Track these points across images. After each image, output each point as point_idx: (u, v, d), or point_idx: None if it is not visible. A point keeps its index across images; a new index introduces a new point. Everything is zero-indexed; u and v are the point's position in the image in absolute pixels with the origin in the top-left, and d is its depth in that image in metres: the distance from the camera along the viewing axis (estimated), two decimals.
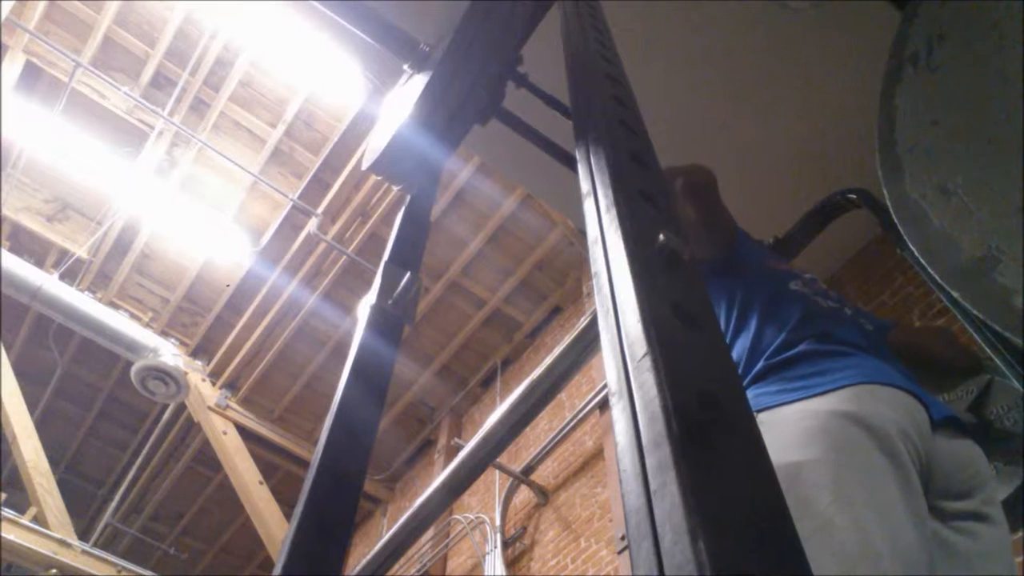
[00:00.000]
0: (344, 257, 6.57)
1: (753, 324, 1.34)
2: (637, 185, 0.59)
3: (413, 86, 1.23)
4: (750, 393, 1.23)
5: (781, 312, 1.33)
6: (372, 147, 1.19)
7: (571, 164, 0.74)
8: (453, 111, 1.14)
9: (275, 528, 6.54)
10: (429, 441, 7.46)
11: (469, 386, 7.10)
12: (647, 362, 0.38)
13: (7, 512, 6.03)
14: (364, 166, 1.19)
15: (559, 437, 5.14)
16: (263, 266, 7.20)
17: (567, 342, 2.86)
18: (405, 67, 1.35)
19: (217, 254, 7.50)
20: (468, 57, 1.17)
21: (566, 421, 5.11)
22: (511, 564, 4.93)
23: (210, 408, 7.36)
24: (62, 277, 7.18)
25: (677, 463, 0.32)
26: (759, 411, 1.17)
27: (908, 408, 1.14)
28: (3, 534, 5.82)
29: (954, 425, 1.21)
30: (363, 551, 6.88)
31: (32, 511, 6.47)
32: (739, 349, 1.32)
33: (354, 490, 0.60)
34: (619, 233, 0.51)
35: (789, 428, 1.09)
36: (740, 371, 1.29)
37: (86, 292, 7.55)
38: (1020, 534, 2.09)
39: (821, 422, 1.08)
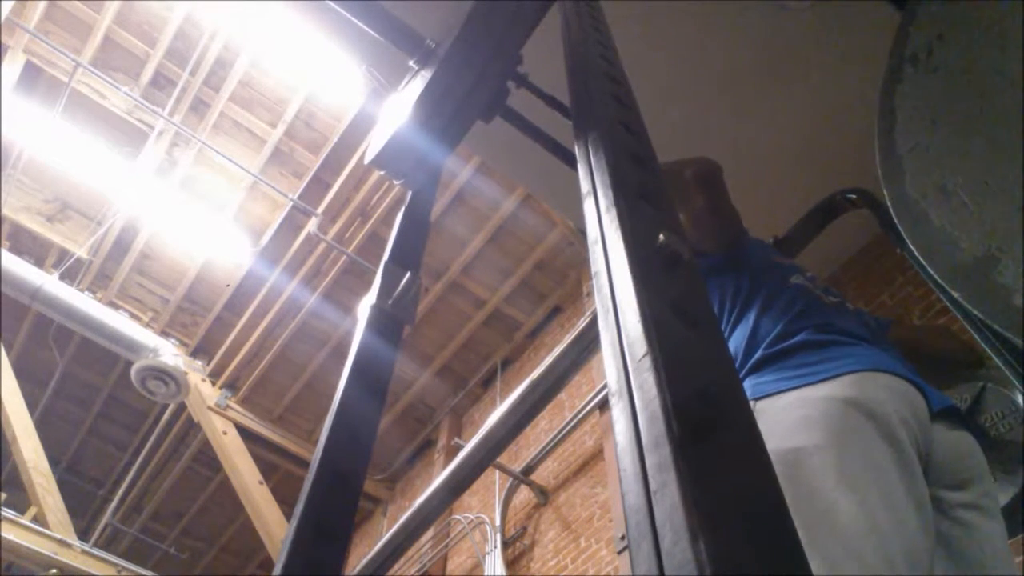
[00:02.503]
0: (344, 257, 6.57)
1: (753, 315, 1.34)
2: (637, 185, 0.59)
3: (417, 82, 1.23)
4: (748, 382, 1.23)
5: (781, 303, 1.34)
6: (375, 142, 1.19)
7: (573, 163, 0.74)
8: (456, 108, 1.15)
9: (275, 528, 6.54)
10: (429, 441, 7.46)
11: (469, 386, 7.10)
12: (647, 362, 0.38)
13: (7, 512, 6.03)
14: (367, 161, 1.20)
15: (559, 437, 5.14)
16: (263, 266, 7.20)
17: (567, 342, 2.86)
18: (411, 63, 1.36)
19: (217, 254, 7.50)
20: (472, 55, 1.17)
21: (566, 421, 5.11)
22: (511, 564, 4.93)
23: (210, 408, 7.36)
24: (62, 277, 7.18)
25: (677, 463, 0.32)
26: (757, 399, 1.17)
27: (907, 396, 1.14)
28: (3, 534, 5.81)
29: (953, 416, 1.21)
30: (363, 551, 6.88)
31: (32, 511, 6.47)
32: (738, 339, 1.33)
33: (354, 490, 0.60)
34: (619, 233, 0.51)
35: (789, 415, 1.09)
36: (738, 361, 1.29)
37: (86, 292, 7.54)
38: (1020, 536, 2.09)
39: (822, 408, 1.08)
